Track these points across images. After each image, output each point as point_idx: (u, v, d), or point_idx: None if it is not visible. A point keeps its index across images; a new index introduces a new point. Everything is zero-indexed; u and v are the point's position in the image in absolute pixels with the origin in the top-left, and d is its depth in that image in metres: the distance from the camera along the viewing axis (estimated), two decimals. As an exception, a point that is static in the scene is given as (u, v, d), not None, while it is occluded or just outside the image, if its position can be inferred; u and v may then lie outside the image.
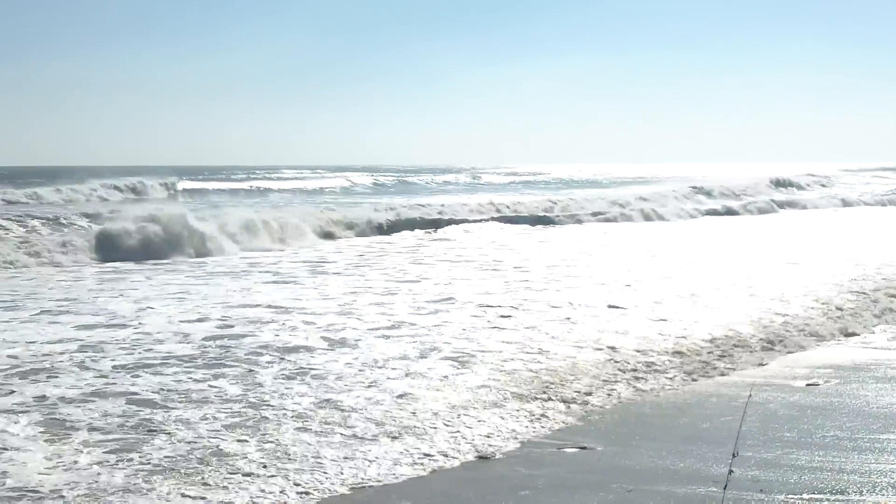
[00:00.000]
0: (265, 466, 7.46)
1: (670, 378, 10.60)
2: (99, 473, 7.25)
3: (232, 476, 7.25)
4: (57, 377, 10.22)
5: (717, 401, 9.71)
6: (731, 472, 5.62)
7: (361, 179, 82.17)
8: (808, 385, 10.17)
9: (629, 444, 8.22)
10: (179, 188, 57.27)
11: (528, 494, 7.01)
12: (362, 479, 7.29)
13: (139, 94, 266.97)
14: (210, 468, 7.39)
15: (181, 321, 13.47)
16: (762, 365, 11.36)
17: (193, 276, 19.56)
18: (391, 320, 13.51)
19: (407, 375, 10.22)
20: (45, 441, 8.02)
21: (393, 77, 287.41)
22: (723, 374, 10.90)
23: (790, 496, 6.77)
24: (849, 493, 6.81)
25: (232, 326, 13.14)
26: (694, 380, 10.60)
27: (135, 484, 7.05)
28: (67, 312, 14.40)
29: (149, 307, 14.88)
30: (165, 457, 7.66)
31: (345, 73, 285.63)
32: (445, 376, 10.21)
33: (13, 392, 9.56)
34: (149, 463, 7.52)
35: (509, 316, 13.83)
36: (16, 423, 8.49)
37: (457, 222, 35.27)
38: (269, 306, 14.81)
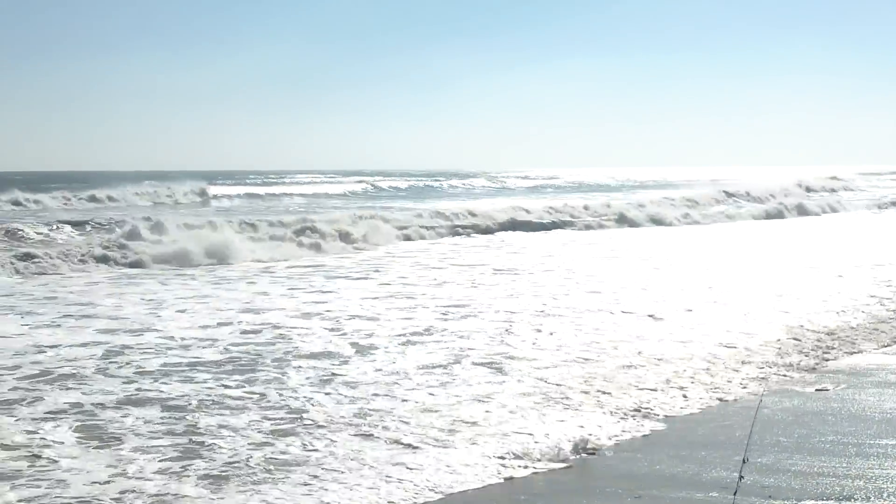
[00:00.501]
0: (342, 472, 7.54)
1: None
2: (165, 482, 7.27)
3: (309, 484, 7.29)
4: (86, 384, 10.35)
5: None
6: (741, 477, 5.67)
7: (380, 184, 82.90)
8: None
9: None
10: (210, 194, 59.01)
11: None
12: (451, 484, 7.38)
13: (141, 99, 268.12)
14: (278, 475, 7.46)
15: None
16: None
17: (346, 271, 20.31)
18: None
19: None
20: (95, 448, 8.08)
21: (395, 81, 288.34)
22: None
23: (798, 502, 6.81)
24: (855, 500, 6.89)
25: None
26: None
27: (204, 492, 7.11)
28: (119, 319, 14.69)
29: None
30: (226, 463, 7.72)
31: (347, 78, 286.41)
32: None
33: (43, 398, 9.69)
34: (213, 469, 7.58)
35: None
36: (57, 428, 8.60)
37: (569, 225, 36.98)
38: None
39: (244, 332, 13.58)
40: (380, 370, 11.09)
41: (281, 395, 9.99)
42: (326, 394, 10.01)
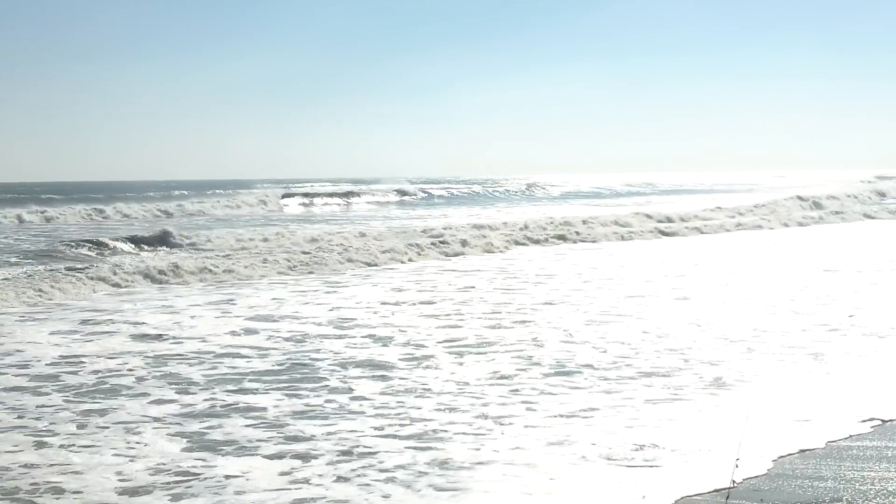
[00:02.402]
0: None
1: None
2: (328, 488, 7.44)
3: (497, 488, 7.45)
4: (153, 394, 10.44)
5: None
6: (732, 482, 5.84)
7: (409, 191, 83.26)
8: None
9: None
10: (284, 203, 63.19)
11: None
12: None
13: (135, 107, 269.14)
14: (446, 475, 7.62)
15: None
16: None
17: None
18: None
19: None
20: (234, 455, 8.20)
21: (392, 87, 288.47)
22: None
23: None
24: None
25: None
26: None
27: (371, 495, 7.27)
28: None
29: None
30: (396, 466, 7.88)
31: (344, 84, 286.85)
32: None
33: (116, 409, 9.74)
34: (383, 473, 7.74)
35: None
36: (172, 440, 8.68)
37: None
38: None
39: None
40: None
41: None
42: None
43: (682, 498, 7.01)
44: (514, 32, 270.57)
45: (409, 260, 25.64)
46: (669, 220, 39.09)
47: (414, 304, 17.10)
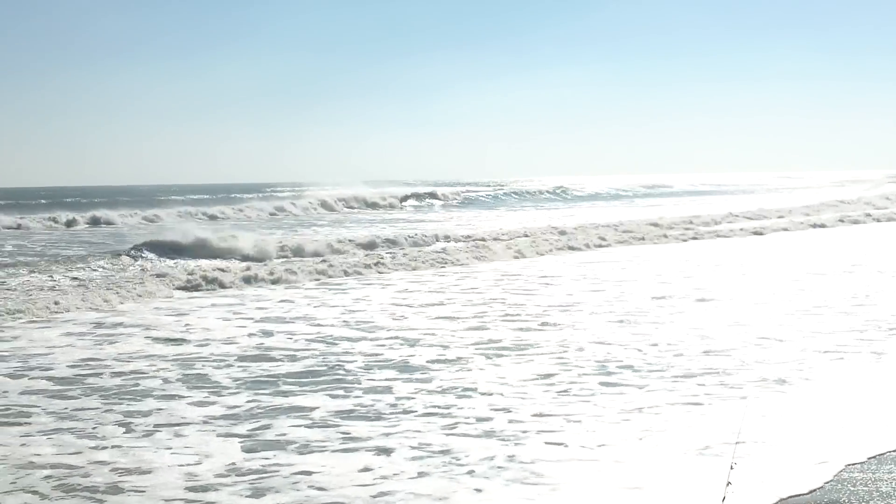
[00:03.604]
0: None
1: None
2: (414, 482, 7.61)
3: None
4: (202, 394, 10.62)
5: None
6: (728, 483, 5.82)
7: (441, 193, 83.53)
8: None
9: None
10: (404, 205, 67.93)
11: None
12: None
13: (129, 113, 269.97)
14: (530, 471, 7.78)
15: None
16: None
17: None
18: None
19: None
20: (299, 453, 8.36)
21: (385, 91, 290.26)
22: None
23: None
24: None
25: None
26: None
27: (461, 487, 7.44)
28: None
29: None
30: (477, 461, 8.06)
31: (336, 88, 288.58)
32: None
33: (160, 410, 9.91)
34: (464, 468, 7.92)
35: None
36: (227, 440, 8.85)
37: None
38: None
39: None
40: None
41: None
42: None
43: (781, 500, 7.19)
44: (509, 36, 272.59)
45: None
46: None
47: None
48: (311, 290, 20.34)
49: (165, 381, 11.38)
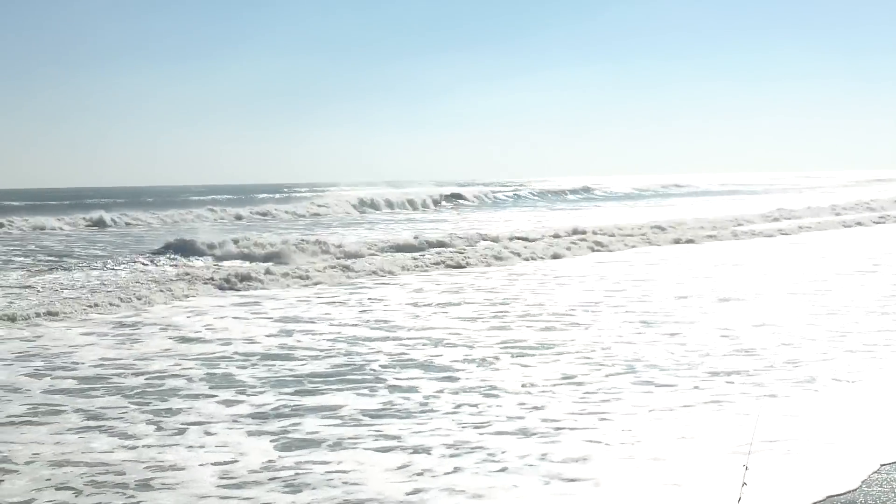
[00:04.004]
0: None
1: None
2: (450, 478, 7.71)
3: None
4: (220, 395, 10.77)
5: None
6: (744, 483, 5.84)
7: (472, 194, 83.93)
8: None
9: None
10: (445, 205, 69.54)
11: None
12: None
13: (136, 115, 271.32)
14: (567, 468, 7.87)
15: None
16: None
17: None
18: None
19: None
20: (331, 450, 8.48)
21: (389, 93, 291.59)
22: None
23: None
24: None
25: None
26: None
27: (499, 484, 7.52)
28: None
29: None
30: (512, 458, 8.14)
31: (341, 90, 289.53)
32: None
33: (188, 410, 10.04)
34: (498, 464, 8.02)
35: None
36: (259, 437, 8.97)
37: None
38: None
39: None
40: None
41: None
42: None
43: (826, 498, 7.26)
44: (517, 37, 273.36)
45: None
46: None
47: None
48: (326, 289, 20.45)
49: (190, 380, 11.50)
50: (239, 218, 55.44)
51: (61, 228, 45.50)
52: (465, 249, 27.83)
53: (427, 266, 24.51)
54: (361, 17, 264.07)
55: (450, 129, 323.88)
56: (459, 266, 24.72)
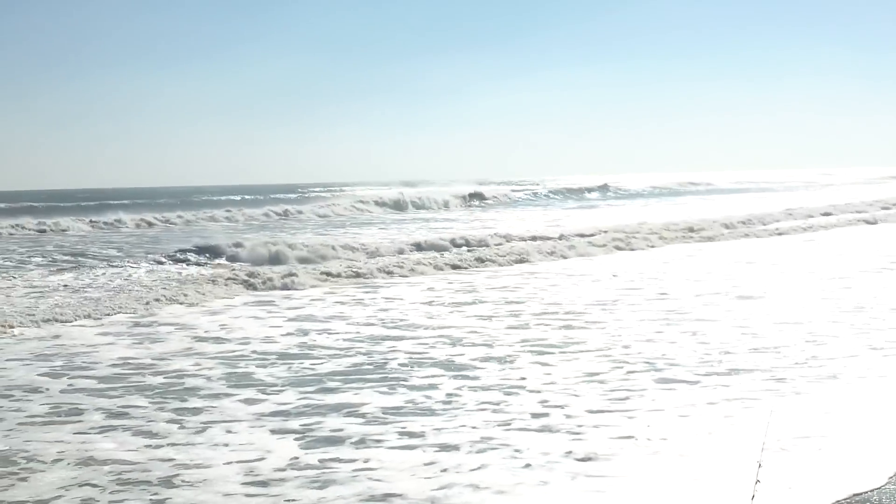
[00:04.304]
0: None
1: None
2: (478, 475, 7.80)
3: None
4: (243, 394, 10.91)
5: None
6: (757, 481, 5.90)
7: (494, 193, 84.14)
8: None
9: None
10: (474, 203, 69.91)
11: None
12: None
13: (145, 115, 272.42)
14: (594, 466, 7.96)
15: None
16: None
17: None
18: None
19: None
20: (356, 448, 8.60)
21: (398, 93, 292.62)
22: None
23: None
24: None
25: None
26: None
27: (528, 480, 7.63)
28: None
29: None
30: (538, 455, 8.23)
31: (345, 90, 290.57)
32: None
33: (212, 409, 10.19)
34: (524, 461, 8.12)
35: None
36: (284, 436, 9.10)
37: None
38: None
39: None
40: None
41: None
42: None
43: (839, 500, 7.28)
44: (522, 36, 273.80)
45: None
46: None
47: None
48: (339, 288, 20.57)
49: (209, 379, 11.62)
50: (267, 216, 55.88)
51: (79, 228, 45.86)
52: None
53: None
54: (368, 16, 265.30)
55: (457, 129, 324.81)
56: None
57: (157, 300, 18.37)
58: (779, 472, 7.61)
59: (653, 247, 29.97)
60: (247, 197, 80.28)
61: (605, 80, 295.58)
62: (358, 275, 22.55)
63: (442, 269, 23.88)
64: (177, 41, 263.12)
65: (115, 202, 67.49)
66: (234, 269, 23.53)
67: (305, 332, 14.87)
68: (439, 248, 28.69)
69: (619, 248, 29.23)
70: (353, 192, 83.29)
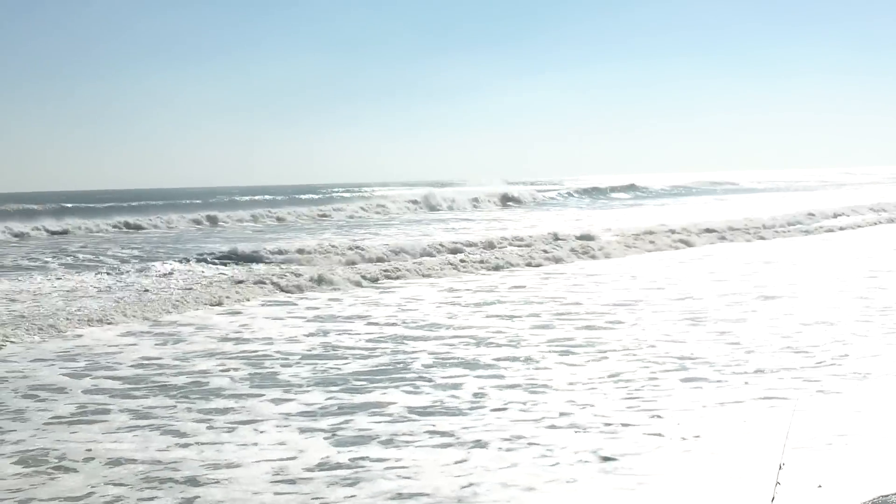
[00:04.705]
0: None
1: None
2: (506, 473, 7.93)
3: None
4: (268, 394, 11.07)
5: None
6: (777, 483, 5.85)
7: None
8: None
9: None
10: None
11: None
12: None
13: (156, 116, 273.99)
14: (623, 463, 8.08)
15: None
16: None
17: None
18: None
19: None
20: (384, 447, 8.74)
21: (411, 93, 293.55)
22: None
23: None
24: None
25: None
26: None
27: (557, 476, 7.75)
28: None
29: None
30: (569, 453, 8.37)
31: (357, 90, 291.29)
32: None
33: (241, 409, 10.32)
34: (555, 458, 8.26)
35: None
36: (312, 435, 9.23)
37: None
38: None
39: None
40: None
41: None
42: None
43: (879, 497, 7.30)
44: (537, 35, 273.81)
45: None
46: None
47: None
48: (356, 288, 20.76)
49: (233, 379, 11.78)
50: (306, 217, 56.07)
51: (106, 230, 46.12)
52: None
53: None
54: (381, 16, 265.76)
55: (470, 129, 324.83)
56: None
57: (185, 302, 18.56)
58: (804, 472, 7.70)
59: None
60: (267, 197, 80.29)
61: (619, 80, 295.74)
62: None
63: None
64: (189, 42, 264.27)
65: (139, 203, 67.12)
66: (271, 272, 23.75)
67: (327, 333, 15.06)
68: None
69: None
70: (377, 192, 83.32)
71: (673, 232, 32.26)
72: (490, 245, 28.81)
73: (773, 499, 5.66)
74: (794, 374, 11.25)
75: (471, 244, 28.96)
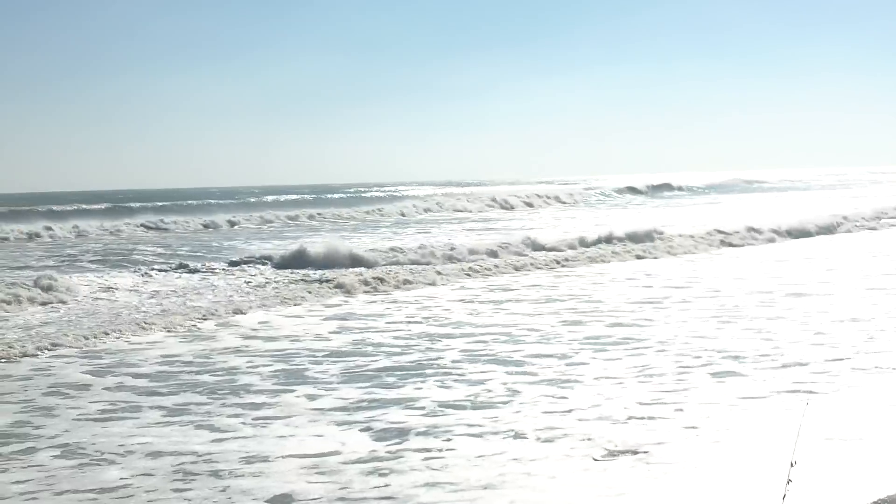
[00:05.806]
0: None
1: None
2: (549, 462, 8.31)
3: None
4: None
5: None
6: (789, 481, 5.90)
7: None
8: None
9: None
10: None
11: None
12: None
13: (168, 117, 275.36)
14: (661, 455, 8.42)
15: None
16: None
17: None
18: None
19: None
20: (423, 437, 9.14)
21: (424, 94, 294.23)
22: None
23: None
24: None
25: None
26: None
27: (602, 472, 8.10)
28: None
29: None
30: (604, 444, 8.74)
31: (375, 91, 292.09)
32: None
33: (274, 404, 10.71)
34: (588, 450, 8.61)
35: None
36: (349, 428, 9.64)
37: None
38: None
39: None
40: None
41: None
42: None
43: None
44: (551, 36, 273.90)
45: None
46: None
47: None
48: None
49: (263, 377, 12.15)
50: (349, 219, 55.73)
51: (143, 229, 46.60)
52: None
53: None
54: (394, 17, 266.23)
55: (484, 130, 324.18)
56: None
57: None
58: (819, 468, 7.92)
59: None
60: (288, 198, 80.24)
61: (635, 80, 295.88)
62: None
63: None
64: (205, 43, 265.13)
65: (162, 204, 66.87)
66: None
67: (350, 330, 15.52)
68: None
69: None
70: (401, 192, 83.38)
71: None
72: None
73: (785, 497, 5.75)
74: (827, 367, 11.59)
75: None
